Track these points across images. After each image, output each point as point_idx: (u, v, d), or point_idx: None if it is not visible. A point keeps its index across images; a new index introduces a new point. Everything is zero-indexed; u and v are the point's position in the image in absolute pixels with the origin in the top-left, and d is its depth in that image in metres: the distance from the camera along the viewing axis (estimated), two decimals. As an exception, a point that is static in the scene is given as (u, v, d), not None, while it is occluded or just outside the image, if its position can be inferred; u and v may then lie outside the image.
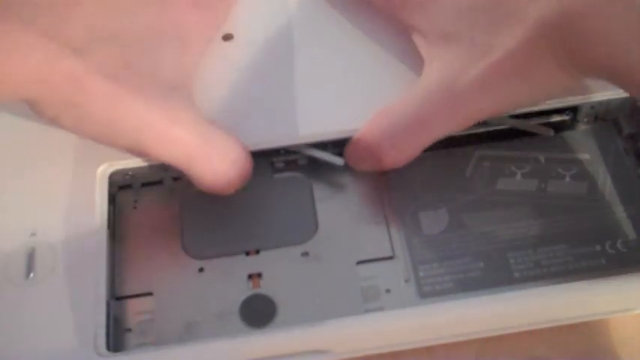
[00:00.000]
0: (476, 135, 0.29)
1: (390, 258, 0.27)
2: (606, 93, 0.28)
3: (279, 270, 0.26)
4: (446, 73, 0.25)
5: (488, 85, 0.24)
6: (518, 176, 0.28)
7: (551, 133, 0.29)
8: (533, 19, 0.22)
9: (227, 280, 0.26)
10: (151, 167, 0.28)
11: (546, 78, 0.23)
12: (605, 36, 0.21)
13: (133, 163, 0.27)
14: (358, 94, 0.29)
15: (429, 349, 0.26)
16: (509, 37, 0.23)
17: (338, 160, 0.28)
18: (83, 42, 0.23)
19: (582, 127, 0.29)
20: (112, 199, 0.28)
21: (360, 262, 0.26)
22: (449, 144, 0.28)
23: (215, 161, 0.25)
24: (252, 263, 0.27)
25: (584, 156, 0.28)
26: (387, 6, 0.29)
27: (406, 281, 0.26)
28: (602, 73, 0.22)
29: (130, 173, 0.28)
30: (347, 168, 0.28)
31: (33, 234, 0.26)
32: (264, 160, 0.29)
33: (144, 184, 0.28)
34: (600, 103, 0.29)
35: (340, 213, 0.28)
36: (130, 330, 0.25)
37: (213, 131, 0.25)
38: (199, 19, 0.28)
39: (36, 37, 0.21)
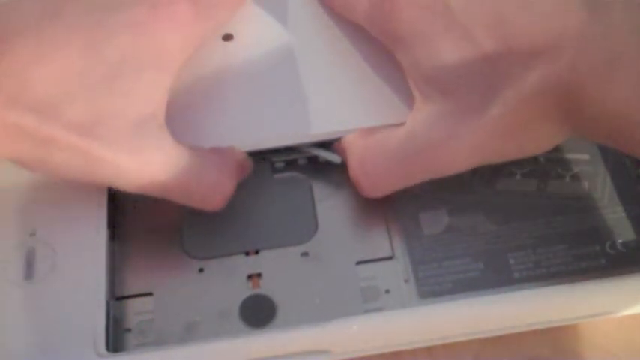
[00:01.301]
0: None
1: (390, 258, 0.27)
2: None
3: (278, 270, 0.26)
4: (434, 128, 0.23)
5: (477, 146, 0.23)
6: (518, 176, 0.28)
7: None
8: (530, 86, 0.21)
9: (227, 280, 0.26)
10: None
11: (539, 140, 0.23)
12: (606, 105, 0.20)
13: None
14: (359, 94, 0.29)
15: (429, 349, 0.26)
16: (504, 101, 0.22)
17: (336, 158, 0.28)
18: (47, 102, 0.21)
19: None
20: (112, 199, 0.28)
21: (359, 262, 0.26)
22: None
23: (194, 188, 0.25)
24: (251, 263, 0.27)
25: (584, 156, 0.28)
26: (383, 41, 0.27)
27: (406, 281, 0.26)
28: (601, 137, 0.22)
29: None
30: (346, 168, 0.28)
31: (32, 234, 0.26)
32: (264, 160, 0.29)
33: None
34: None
35: (340, 213, 0.28)
36: (129, 330, 0.25)
37: (187, 160, 0.25)
38: (181, 37, 0.24)
39: None
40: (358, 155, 0.26)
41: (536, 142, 0.23)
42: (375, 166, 0.26)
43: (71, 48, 0.21)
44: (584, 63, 0.20)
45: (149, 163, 0.23)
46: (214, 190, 0.26)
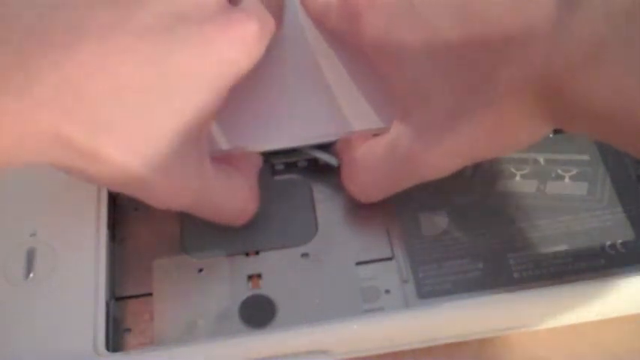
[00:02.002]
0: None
1: (390, 259, 0.27)
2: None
3: (278, 271, 0.26)
4: (414, 137, 0.23)
5: (460, 150, 0.22)
6: (518, 177, 0.28)
7: (551, 133, 0.29)
8: (506, 84, 0.20)
9: (227, 280, 0.26)
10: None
11: (523, 136, 0.22)
12: (586, 97, 0.18)
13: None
14: (359, 96, 0.29)
15: (429, 349, 0.26)
16: (481, 102, 0.21)
17: (335, 160, 0.28)
18: (102, 118, 0.20)
19: (582, 128, 0.29)
20: (113, 200, 0.28)
21: (359, 263, 0.26)
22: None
23: (226, 209, 0.25)
24: (251, 264, 0.27)
25: (584, 157, 0.28)
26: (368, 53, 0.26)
27: (405, 282, 0.26)
28: (587, 129, 0.21)
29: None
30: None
31: (33, 234, 0.26)
32: (264, 162, 0.29)
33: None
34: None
35: (340, 214, 0.28)
36: (129, 330, 0.25)
37: (222, 184, 0.25)
38: (244, 58, 0.23)
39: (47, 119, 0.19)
40: (349, 162, 0.26)
41: (521, 138, 0.22)
42: (361, 176, 0.26)
43: (135, 60, 0.20)
44: (560, 55, 0.18)
45: (186, 189, 0.23)
46: (243, 210, 0.26)
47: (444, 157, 0.23)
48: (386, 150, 0.24)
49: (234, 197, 0.26)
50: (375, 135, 0.26)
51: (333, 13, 0.26)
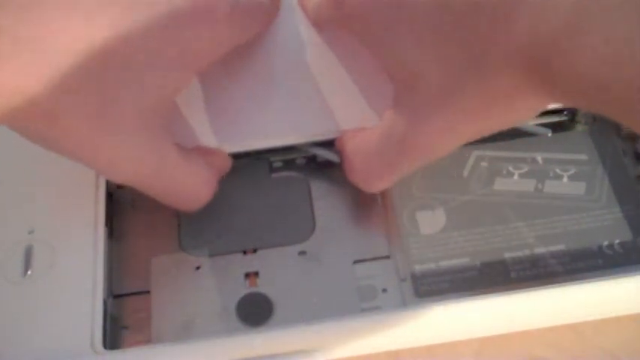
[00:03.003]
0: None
1: (387, 257, 0.27)
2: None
3: (276, 269, 0.26)
4: (409, 120, 0.23)
5: (455, 129, 0.22)
6: (516, 176, 0.28)
7: (549, 133, 0.29)
8: (493, 61, 0.20)
9: (224, 278, 0.26)
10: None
11: (517, 111, 0.22)
12: (576, 70, 0.18)
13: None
14: (358, 93, 0.29)
15: (429, 349, 0.26)
16: (471, 80, 0.20)
17: (334, 157, 0.28)
18: (65, 76, 0.20)
19: (580, 127, 0.29)
20: (110, 197, 0.28)
21: (357, 262, 0.27)
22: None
23: (177, 191, 0.25)
24: (249, 262, 0.27)
25: (582, 157, 0.28)
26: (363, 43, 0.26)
27: (403, 281, 0.26)
28: (582, 104, 0.20)
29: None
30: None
31: (31, 231, 0.26)
32: (262, 159, 0.29)
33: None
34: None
35: (338, 212, 0.28)
36: (126, 328, 0.25)
37: (177, 163, 0.25)
38: (211, 36, 0.23)
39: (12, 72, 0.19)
40: (348, 154, 0.26)
41: (514, 113, 0.22)
42: (362, 164, 0.26)
43: (102, 23, 0.20)
44: (544, 25, 0.18)
45: (142, 157, 0.23)
46: (194, 196, 0.26)
47: (438, 135, 0.23)
48: (382, 136, 0.24)
49: (189, 179, 0.25)
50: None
51: (322, 4, 0.26)
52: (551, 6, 0.18)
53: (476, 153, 0.29)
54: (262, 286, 0.26)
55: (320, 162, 0.29)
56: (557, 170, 0.28)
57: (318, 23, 0.28)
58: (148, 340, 0.25)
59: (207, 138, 0.27)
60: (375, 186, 0.26)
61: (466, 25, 0.20)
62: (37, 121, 0.21)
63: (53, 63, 0.20)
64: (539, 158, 0.28)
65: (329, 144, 0.28)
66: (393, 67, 0.23)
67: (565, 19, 0.17)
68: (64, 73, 0.20)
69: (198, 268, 0.27)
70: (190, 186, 0.25)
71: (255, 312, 0.25)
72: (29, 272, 0.25)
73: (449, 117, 0.22)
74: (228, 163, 0.27)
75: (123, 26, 0.21)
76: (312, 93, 0.28)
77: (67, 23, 0.20)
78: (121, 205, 0.28)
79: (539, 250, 0.26)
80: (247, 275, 0.26)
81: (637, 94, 0.17)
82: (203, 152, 0.27)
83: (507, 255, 0.26)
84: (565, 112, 0.29)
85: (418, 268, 0.26)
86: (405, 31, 0.22)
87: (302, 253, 0.27)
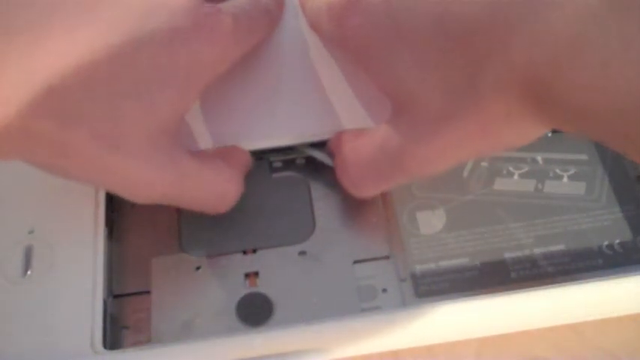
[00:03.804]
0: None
1: (387, 258, 0.27)
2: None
3: (276, 269, 0.26)
4: (402, 137, 0.23)
5: (449, 150, 0.22)
6: (516, 176, 0.28)
7: (549, 133, 0.29)
8: (489, 84, 0.19)
9: (224, 278, 0.26)
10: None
11: (514, 135, 0.21)
12: (572, 95, 0.18)
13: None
14: (350, 93, 0.29)
15: (429, 349, 0.26)
16: (466, 103, 0.20)
17: (329, 160, 0.28)
18: (71, 108, 0.20)
19: (580, 127, 0.29)
20: (110, 197, 0.28)
21: (356, 262, 0.26)
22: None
23: (204, 197, 0.25)
24: (249, 262, 0.27)
25: (582, 157, 0.28)
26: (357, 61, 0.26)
27: (403, 281, 0.26)
28: (579, 129, 0.19)
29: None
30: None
31: (31, 231, 0.26)
32: (262, 159, 0.29)
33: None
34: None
35: (337, 212, 0.28)
36: (127, 328, 0.25)
37: (197, 172, 0.24)
38: (216, 52, 0.23)
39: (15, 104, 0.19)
40: (342, 158, 0.26)
41: (510, 138, 0.21)
42: (354, 170, 0.26)
43: (104, 49, 0.20)
44: (541, 51, 0.18)
45: (161, 177, 0.23)
46: (222, 198, 0.26)
47: (432, 155, 0.23)
48: (376, 146, 0.24)
49: (212, 183, 0.25)
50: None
51: (323, 20, 0.26)
52: (550, 30, 0.18)
53: (476, 153, 0.29)
54: (262, 287, 0.26)
55: (320, 162, 0.29)
56: (557, 170, 0.28)
57: (317, 32, 0.28)
58: (147, 340, 0.25)
59: (206, 138, 0.27)
60: (365, 193, 0.26)
61: (464, 48, 0.20)
62: (47, 152, 0.20)
63: (58, 95, 0.19)
64: (539, 158, 0.28)
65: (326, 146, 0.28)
66: (389, 86, 0.23)
67: (565, 44, 0.17)
68: (73, 101, 0.20)
69: (198, 268, 0.27)
70: (217, 189, 0.25)
71: (255, 312, 0.25)
72: (29, 272, 0.25)
73: (444, 138, 0.22)
74: (248, 158, 0.27)
75: (110, 42, 0.20)
76: (312, 93, 0.28)
77: (70, 54, 0.19)
78: (121, 205, 0.28)
79: (539, 250, 0.26)
80: (247, 275, 0.26)
81: (633, 123, 0.16)
82: (220, 153, 0.27)
83: (507, 255, 0.26)
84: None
85: (418, 268, 0.26)
86: (404, 53, 0.22)
87: (302, 253, 0.27)
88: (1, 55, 0.18)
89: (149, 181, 0.23)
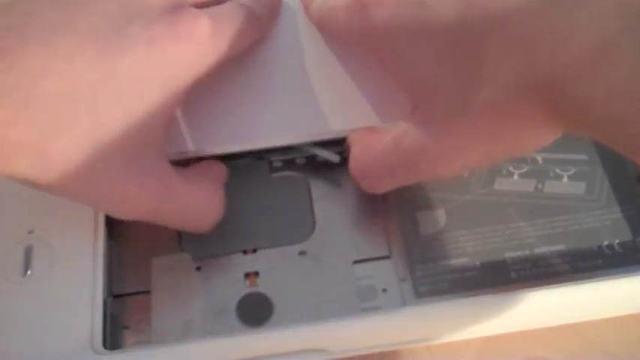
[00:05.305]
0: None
1: (387, 257, 0.27)
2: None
3: (276, 269, 0.26)
4: (418, 137, 0.23)
5: (462, 153, 0.22)
6: (516, 176, 0.28)
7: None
8: (508, 85, 0.19)
9: (224, 278, 0.26)
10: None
11: (528, 140, 0.21)
12: (592, 102, 0.17)
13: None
14: (358, 93, 0.29)
15: (429, 349, 0.26)
16: (484, 103, 0.20)
17: (334, 157, 0.28)
18: (50, 120, 0.19)
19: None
20: (110, 197, 0.28)
21: (356, 262, 0.27)
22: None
23: (188, 215, 0.25)
24: (249, 262, 0.27)
25: (582, 157, 0.28)
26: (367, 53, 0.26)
27: (403, 281, 0.26)
28: (594, 135, 0.20)
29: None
30: (344, 167, 0.28)
31: (31, 231, 0.26)
32: (262, 159, 0.29)
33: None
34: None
35: (338, 212, 0.28)
36: (127, 328, 0.26)
37: (181, 188, 0.24)
38: (195, 56, 0.23)
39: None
40: (355, 154, 0.26)
41: (526, 142, 0.22)
42: (367, 167, 0.26)
43: (83, 61, 0.20)
44: (566, 53, 0.18)
45: (147, 191, 0.23)
46: (205, 215, 0.26)
47: (444, 155, 0.22)
48: (391, 144, 0.24)
49: (197, 202, 0.25)
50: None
51: (340, 14, 0.25)
52: (577, 34, 0.17)
53: (476, 153, 0.29)
54: (262, 286, 0.26)
55: (320, 162, 0.29)
56: (557, 170, 0.28)
57: (326, 29, 0.28)
58: (147, 340, 0.25)
59: (206, 138, 0.27)
60: (376, 189, 0.26)
61: (486, 45, 0.20)
62: (30, 170, 0.20)
63: (39, 109, 0.19)
64: (539, 158, 0.28)
65: (329, 144, 0.28)
66: (408, 80, 0.23)
67: (589, 50, 0.17)
68: (52, 117, 0.19)
69: (198, 268, 0.27)
70: (200, 206, 0.26)
71: (255, 312, 0.26)
72: (29, 272, 0.25)
73: (458, 136, 0.22)
74: (225, 171, 0.28)
75: (89, 53, 0.20)
76: (312, 92, 0.28)
77: (47, 66, 0.19)
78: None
79: (539, 250, 0.26)
80: (247, 275, 0.26)
81: None
82: (200, 168, 0.27)
83: (507, 255, 0.26)
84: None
85: (418, 268, 0.26)
86: (426, 46, 0.22)
87: (302, 253, 0.27)
88: None
89: (134, 196, 0.23)
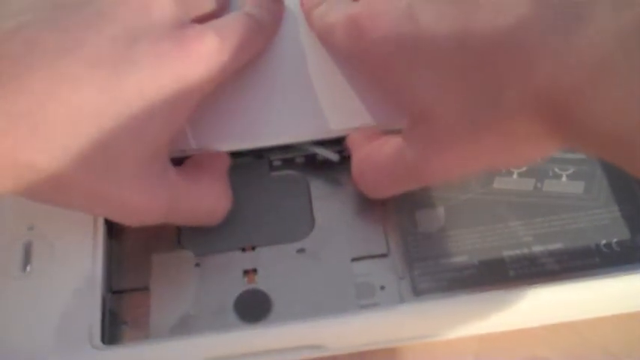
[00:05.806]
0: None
1: (385, 255, 0.27)
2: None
3: (274, 266, 0.27)
4: (419, 151, 0.23)
5: (463, 165, 0.22)
6: (515, 175, 0.28)
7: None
8: (509, 103, 0.19)
9: (223, 275, 0.26)
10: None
11: (527, 153, 0.21)
12: (594, 119, 0.17)
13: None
14: (357, 93, 0.29)
15: (428, 348, 0.26)
16: (484, 121, 0.20)
17: (334, 156, 0.28)
18: (60, 144, 0.20)
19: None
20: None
21: (355, 259, 0.27)
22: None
23: (198, 213, 0.26)
24: (248, 259, 0.27)
25: (581, 156, 0.28)
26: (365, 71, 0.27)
27: (401, 279, 0.26)
28: (594, 151, 0.20)
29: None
30: (344, 166, 0.28)
31: (30, 228, 0.26)
32: (262, 157, 0.29)
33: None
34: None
35: (336, 210, 0.28)
36: (125, 323, 0.26)
37: (188, 190, 0.25)
38: (203, 73, 0.23)
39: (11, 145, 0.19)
40: (356, 164, 0.26)
41: (526, 155, 0.22)
42: (370, 175, 0.26)
43: (90, 85, 0.20)
44: (566, 75, 0.18)
45: (154, 202, 0.23)
46: (214, 212, 0.26)
47: (446, 168, 0.23)
48: (392, 158, 0.24)
49: (204, 200, 0.26)
50: (385, 133, 0.26)
51: (338, 32, 0.25)
52: (576, 54, 0.17)
53: (475, 152, 0.29)
54: (261, 283, 0.26)
55: (319, 161, 0.29)
56: (556, 169, 0.28)
57: (326, 44, 0.28)
58: (146, 336, 0.25)
59: (207, 136, 0.27)
60: (380, 195, 0.27)
61: (485, 66, 0.20)
62: (43, 190, 0.21)
63: (47, 134, 0.19)
64: (538, 157, 0.29)
65: (328, 143, 0.28)
66: (407, 100, 0.23)
67: (590, 68, 0.17)
68: (61, 141, 0.20)
69: (197, 264, 0.27)
70: (208, 205, 0.26)
71: (254, 308, 0.26)
72: (28, 268, 0.25)
73: (461, 153, 0.22)
74: (226, 158, 0.28)
75: (96, 77, 0.20)
76: (311, 92, 0.28)
77: (53, 92, 0.19)
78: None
79: (538, 248, 0.26)
80: (246, 272, 0.26)
81: None
82: (201, 161, 0.27)
83: (506, 253, 0.26)
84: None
85: (416, 266, 0.26)
86: (424, 69, 0.22)
87: (300, 250, 0.27)
88: None
89: (144, 207, 0.23)
